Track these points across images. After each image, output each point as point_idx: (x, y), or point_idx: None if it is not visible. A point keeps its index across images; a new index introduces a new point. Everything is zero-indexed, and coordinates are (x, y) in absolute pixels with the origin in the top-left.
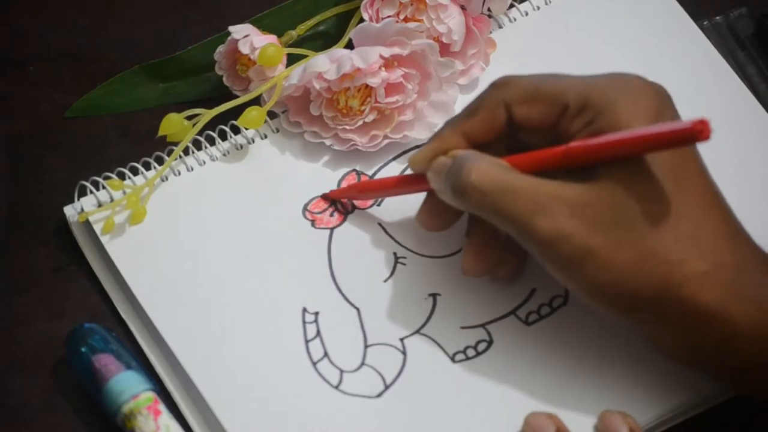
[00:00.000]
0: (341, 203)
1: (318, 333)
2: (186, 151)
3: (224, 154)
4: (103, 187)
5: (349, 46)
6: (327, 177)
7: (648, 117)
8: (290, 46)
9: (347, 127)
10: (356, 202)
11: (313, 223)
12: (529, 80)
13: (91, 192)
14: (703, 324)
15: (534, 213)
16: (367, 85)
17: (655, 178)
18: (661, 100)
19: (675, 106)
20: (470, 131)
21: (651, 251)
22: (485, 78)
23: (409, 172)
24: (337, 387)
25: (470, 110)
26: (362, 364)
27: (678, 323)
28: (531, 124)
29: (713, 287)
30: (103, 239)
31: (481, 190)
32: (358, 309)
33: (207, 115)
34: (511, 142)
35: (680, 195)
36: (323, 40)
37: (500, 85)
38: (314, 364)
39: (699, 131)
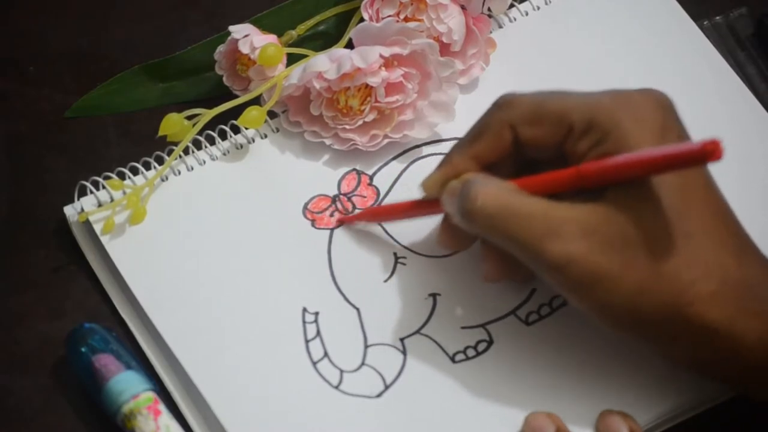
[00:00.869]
0: (342, 203)
1: (318, 333)
2: (186, 151)
3: (224, 154)
4: (103, 187)
5: (350, 45)
6: (327, 176)
7: (654, 134)
8: (290, 46)
9: (347, 127)
10: (356, 202)
11: (313, 222)
12: (531, 100)
13: (91, 192)
14: (711, 340)
15: (544, 237)
16: (367, 85)
17: (663, 197)
18: (664, 113)
19: (678, 115)
20: (478, 154)
21: (660, 273)
22: (485, 78)
23: (414, 171)
24: (337, 387)
25: (475, 133)
26: (362, 364)
27: (686, 339)
28: (537, 143)
29: (721, 305)
30: (103, 239)
31: (488, 215)
32: (358, 309)
33: (207, 114)
34: (519, 158)
35: (688, 213)
36: (323, 40)
37: (503, 105)
38: (314, 364)
39: (710, 152)
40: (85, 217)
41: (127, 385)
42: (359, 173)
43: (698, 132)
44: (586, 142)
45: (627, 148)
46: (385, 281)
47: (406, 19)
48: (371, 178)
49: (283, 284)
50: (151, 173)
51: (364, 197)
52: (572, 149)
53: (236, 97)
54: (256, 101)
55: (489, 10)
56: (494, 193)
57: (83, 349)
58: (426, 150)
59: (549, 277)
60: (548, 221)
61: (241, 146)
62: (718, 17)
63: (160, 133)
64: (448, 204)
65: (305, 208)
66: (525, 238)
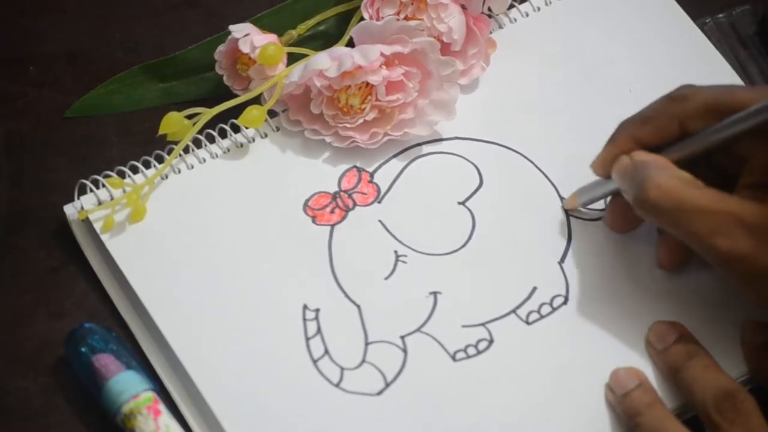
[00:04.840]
0: (342, 200)
1: (318, 330)
2: (186, 150)
3: (225, 152)
4: (104, 186)
5: (350, 45)
6: (328, 174)
7: None
8: (291, 45)
9: (348, 125)
10: (357, 199)
11: (314, 219)
12: (706, 94)
13: (91, 190)
14: None
15: (713, 233)
16: (367, 83)
17: None
18: None
19: None
20: (642, 138)
21: None
22: (486, 78)
23: (414, 169)
24: (337, 385)
25: (643, 118)
26: (363, 361)
27: None
28: None
29: None
30: (103, 237)
31: (661, 209)
32: (358, 306)
33: (207, 113)
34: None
35: None
36: (323, 39)
37: (677, 98)
38: (315, 362)
39: None
40: (84, 216)
41: (127, 385)
42: (360, 170)
43: None
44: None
45: None
46: (386, 279)
47: (406, 19)
48: (372, 175)
49: (284, 281)
50: (151, 172)
51: (365, 194)
52: (745, 150)
53: (236, 96)
54: (257, 100)
55: (489, 9)
56: (667, 186)
57: (83, 349)
58: (426, 148)
59: (719, 269)
60: (716, 217)
61: (242, 145)
62: (720, 15)
63: (161, 131)
64: (618, 180)
65: (306, 205)
66: (696, 232)
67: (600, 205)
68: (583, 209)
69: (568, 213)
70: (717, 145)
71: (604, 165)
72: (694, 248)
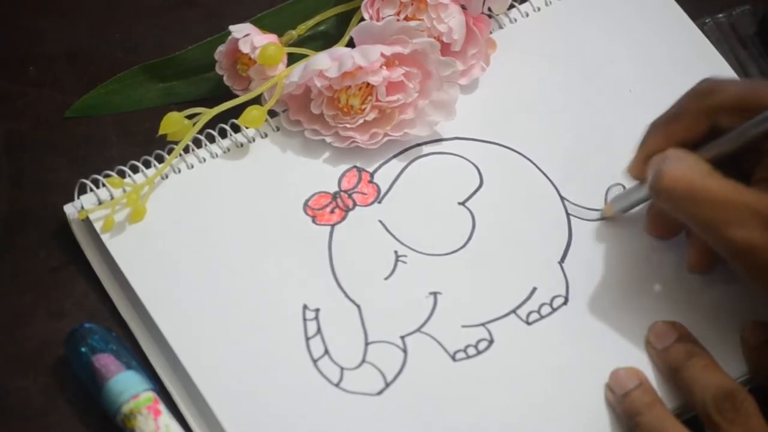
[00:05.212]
0: (342, 200)
1: (318, 330)
2: (186, 150)
3: (225, 152)
4: (104, 186)
5: (350, 45)
6: (328, 174)
7: None
8: (291, 45)
9: (348, 126)
10: (357, 199)
11: (314, 219)
12: (735, 89)
13: (92, 190)
14: None
15: (726, 223)
16: (368, 84)
17: None
18: None
19: None
20: (672, 135)
21: None
22: (486, 78)
23: (414, 169)
24: (337, 385)
25: (671, 115)
26: (363, 361)
27: None
28: None
29: None
30: (103, 237)
31: (673, 196)
32: (358, 306)
33: (207, 114)
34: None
35: None
36: (324, 40)
37: (703, 92)
38: (315, 361)
39: None
40: (84, 215)
41: (127, 385)
42: (360, 170)
43: None
44: None
45: None
46: (386, 279)
47: (406, 19)
48: (372, 175)
49: (284, 281)
50: (151, 171)
51: (365, 194)
52: (762, 145)
53: (236, 96)
54: (257, 101)
55: (489, 10)
56: (682, 174)
57: (83, 349)
58: (426, 149)
59: (731, 261)
60: (732, 208)
61: (242, 145)
62: (720, 15)
63: (161, 131)
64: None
65: (306, 205)
66: (709, 221)
67: (599, 204)
68: (582, 209)
69: (569, 214)
70: (749, 142)
71: (638, 166)
72: (706, 238)
